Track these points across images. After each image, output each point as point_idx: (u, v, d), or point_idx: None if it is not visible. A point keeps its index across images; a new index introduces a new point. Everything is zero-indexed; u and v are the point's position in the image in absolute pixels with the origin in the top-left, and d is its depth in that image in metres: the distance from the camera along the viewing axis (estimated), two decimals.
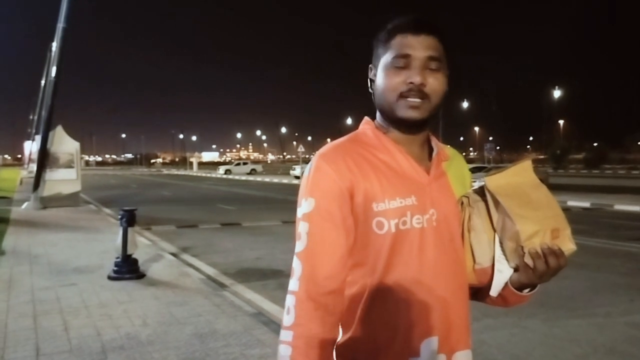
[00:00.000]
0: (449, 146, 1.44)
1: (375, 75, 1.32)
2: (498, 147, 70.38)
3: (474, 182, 1.42)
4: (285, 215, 14.16)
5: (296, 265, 1.23)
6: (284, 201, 20.31)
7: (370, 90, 1.36)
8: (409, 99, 1.24)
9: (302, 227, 1.24)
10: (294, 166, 46.50)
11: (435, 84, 1.25)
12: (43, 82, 17.87)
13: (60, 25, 15.81)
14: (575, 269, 7.29)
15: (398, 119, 1.27)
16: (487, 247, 1.28)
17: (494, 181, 1.27)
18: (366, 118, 1.38)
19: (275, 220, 13.47)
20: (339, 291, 1.23)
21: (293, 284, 1.22)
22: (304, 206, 1.24)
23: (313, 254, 1.22)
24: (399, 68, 1.25)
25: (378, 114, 1.35)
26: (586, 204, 18.24)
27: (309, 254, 1.22)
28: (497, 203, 1.25)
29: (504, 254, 1.25)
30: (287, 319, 1.21)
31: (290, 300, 1.22)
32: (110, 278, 6.83)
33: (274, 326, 4.86)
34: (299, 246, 1.23)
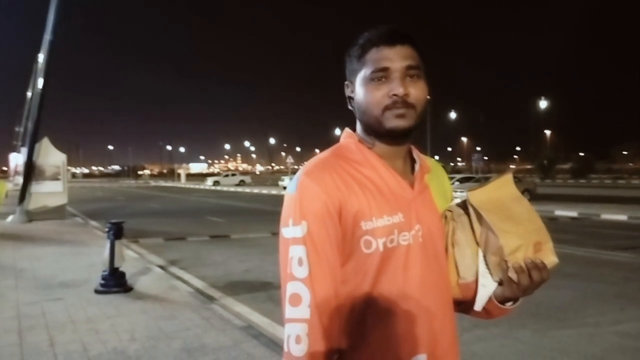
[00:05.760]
0: (429, 157, 1.42)
1: (353, 91, 1.30)
2: (486, 158, 70.95)
3: (455, 192, 1.42)
4: (275, 226, 13.93)
5: (302, 292, 1.16)
6: (273, 212, 20.20)
7: (350, 107, 1.33)
8: (395, 110, 1.22)
9: (298, 251, 1.18)
10: (282, 177, 46.64)
11: (418, 92, 1.24)
12: (29, 93, 17.68)
13: (47, 37, 15.73)
14: (565, 279, 7.32)
15: (386, 131, 1.25)
16: (470, 261, 1.27)
17: (476, 196, 1.27)
18: (347, 130, 1.35)
19: (265, 232, 13.40)
20: (337, 311, 1.20)
21: (302, 312, 1.16)
22: (297, 229, 1.18)
23: (317, 278, 1.17)
24: (379, 82, 1.23)
25: (359, 128, 1.33)
26: (574, 214, 18.39)
27: (314, 279, 1.17)
28: (480, 218, 1.25)
29: (488, 268, 1.25)
30: (298, 348, 1.14)
31: (299, 328, 1.15)
32: (97, 292, 6.74)
33: (264, 339, 4.81)
34: (302, 272, 1.17)
